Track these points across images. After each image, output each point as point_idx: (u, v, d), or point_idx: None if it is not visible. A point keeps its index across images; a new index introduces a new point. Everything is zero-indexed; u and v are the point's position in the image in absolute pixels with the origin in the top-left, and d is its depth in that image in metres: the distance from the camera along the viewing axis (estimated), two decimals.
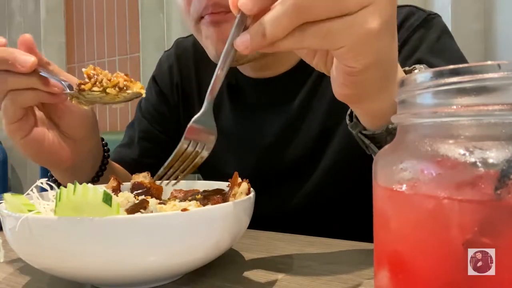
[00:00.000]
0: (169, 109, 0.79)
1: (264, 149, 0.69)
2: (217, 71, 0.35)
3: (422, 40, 0.60)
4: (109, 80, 0.47)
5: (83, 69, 0.47)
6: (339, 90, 0.37)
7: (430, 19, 0.62)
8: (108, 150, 0.65)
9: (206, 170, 0.73)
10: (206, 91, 0.37)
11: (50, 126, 0.55)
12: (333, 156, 0.65)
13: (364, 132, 0.43)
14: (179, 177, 0.42)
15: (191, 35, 0.81)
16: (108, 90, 0.46)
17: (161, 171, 0.40)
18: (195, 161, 0.40)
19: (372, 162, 0.28)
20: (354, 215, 0.59)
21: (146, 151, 0.78)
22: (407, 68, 0.43)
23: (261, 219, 0.53)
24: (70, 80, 0.50)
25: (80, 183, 0.34)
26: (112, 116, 2.02)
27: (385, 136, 0.41)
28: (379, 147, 0.42)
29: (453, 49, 0.61)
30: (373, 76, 0.35)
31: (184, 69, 0.79)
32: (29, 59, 0.46)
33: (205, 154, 0.40)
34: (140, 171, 0.75)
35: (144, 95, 0.48)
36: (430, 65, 0.56)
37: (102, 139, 0.64)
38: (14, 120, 0.49)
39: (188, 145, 0.40)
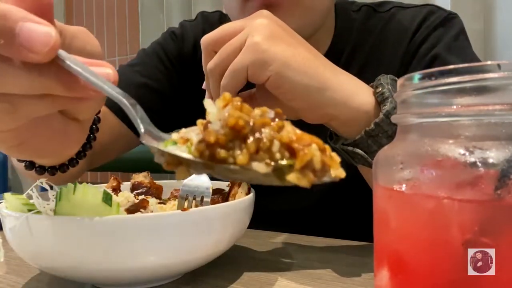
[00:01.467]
0: (188, 73, 0.74)
1: None
2: None
3: (441, 38, 0.61)
4: (291, 145, 0.21)
5: (223, 114, 0.22)
6: (290, 111, 0.43)
7: (450, 19, 0.63)
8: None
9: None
10: None
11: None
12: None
13: (346, 142, 0.45)
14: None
15: (217, 11, 0.78)
16: (290, 178, 0.21)
17: None
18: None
19: None
20: (364, 216, 0.59)
21: (157, 75, 0.72)
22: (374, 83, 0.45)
23: (268, 216, 0.52)
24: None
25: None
26: None
27: (366, 140, 0.42)
28: (364, 156, 0.44)
29: (469, 50, 0.62)
30: (296, 81, 0.40)
31: None
32: (47, 36, 0.23)
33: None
34: (144, 96, 0.67)
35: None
36: (446, 62, 0.56)
37: None
38: (5, 130, 0.29)
39: (186, 198, 0.47)
